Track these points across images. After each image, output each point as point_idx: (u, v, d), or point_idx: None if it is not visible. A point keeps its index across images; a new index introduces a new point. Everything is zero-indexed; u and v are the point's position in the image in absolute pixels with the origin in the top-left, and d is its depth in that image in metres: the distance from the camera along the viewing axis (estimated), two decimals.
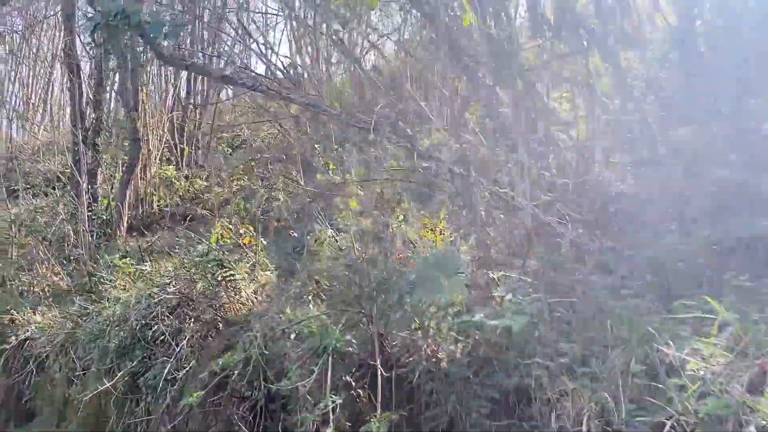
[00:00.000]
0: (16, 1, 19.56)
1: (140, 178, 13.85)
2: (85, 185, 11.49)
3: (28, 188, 16.78)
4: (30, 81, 22.82)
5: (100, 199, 13.38)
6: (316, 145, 12.18)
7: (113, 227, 12.75)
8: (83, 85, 13.90)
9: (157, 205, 14.12)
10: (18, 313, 7.56)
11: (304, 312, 4.04)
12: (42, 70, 23.12)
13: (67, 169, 17.79)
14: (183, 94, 17.82)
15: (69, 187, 13.63)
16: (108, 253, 10.38)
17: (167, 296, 5.29)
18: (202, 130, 17.35)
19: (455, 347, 3.59)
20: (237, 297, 5.11)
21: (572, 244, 5.32)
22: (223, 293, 5.14)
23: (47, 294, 8.82)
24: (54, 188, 16.58)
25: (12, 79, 23.42)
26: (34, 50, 22.44)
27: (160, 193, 14.32)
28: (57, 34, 23.76)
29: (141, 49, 6.33)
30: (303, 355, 3.89)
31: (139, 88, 13.42)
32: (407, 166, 4.70)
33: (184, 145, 16.30)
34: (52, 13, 18.50)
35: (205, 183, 15.76)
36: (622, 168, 6.99)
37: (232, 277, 5.25)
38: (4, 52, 23.29)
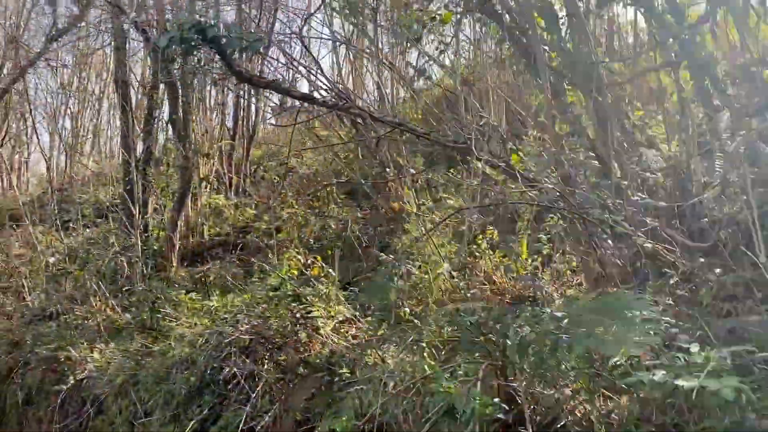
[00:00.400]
0: (66, 36, 19.81)
1: (190, 208, 13.56)
2: (137, 216, 11.20)
3: (78, 219, 16.75)
4: (79, 114, 23.07)
5: (150, 229, 13.14)
6: (374, 170, 11.72)
7: (165, 258, 12.46)
8: (134, 115, 13.77)
9: (208, 235, 13.81)
10: (74, 349, 7.17)
11: (413, 362, 3.37)
12: (90, 103, 23.37)
13: (116, 199, 17.76)
14: (230, 123, 17.73)
15: (121, 218, 13.44)
16: (163, 285, 10.05)
17: (240, 335, 4.78)
18: (249, 159, 17.13)
19: (618, 407, 2.99)
20: (317, 336, 4.57)
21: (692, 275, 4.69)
22: (302, 332, 4.60)
23: (102, 329, 8.46)
24: (105, 218, 16.50)
25: (62, 112, 23.72)
26: (84, 83, 22.70)
27: (210, 222, 14.03)
28: (105, 67, 24.10)
29: (208, 66, 5.92)
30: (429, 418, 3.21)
31: (190, 116, 13.20)
32: (511, 189, 4.16)
33: (233, 173, 16.07)
34: (102, 45, 18.53)
35: (254, 212, 15.46)
36: (723, 189, 6.33)
37: (308, 314, 4.75)
38: (56, 86, 23.64)
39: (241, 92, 17.19)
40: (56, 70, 21.98)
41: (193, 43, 3.69)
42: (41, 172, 25.93)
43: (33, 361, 7.61)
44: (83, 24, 19.77)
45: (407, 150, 8.17)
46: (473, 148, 4.14)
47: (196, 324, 5.45)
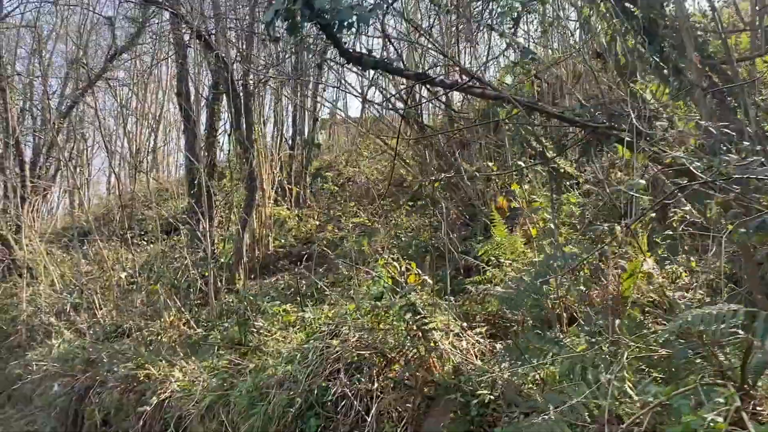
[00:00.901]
0: (126, 54, 19.91)
1: (255, 219, 13.20)
2: (206, 228, 10.87)
3: (142, 234, 16.66)
4: (138, 132, 23.23)
5: (215, 242, 12.85)
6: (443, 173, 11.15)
7: (231, 271, 12.12)
8: (196, 128, 13.55)
9: (273, 246, 13.44)
10: (153, 367, 6.76)
11: (616, 386, 2.65)
12: (148, 122, 23.49)
13: (178, 214, 17.61)
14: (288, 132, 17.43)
15: (187, 232, 13.19)
16: (252, 297, 9.65)
17: (347, 349, 4.21)
18: (308, 170, 16.78)
19: None
20: (435, 351, 3.98)
21: None
22: (420, 345, 4.00)
23: (177, 345, 8.07)
24: (169, 233, 16.35)
25: (122, 131, 23.91)
26: (142, 102, 22.83)
27: (274, 234, 13.66)
28: (161, 85, 24.24)
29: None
30: None
31: (252, 126, 12.88)
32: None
33: (292, 185, 15.72)
34: (162, 58, 18.48)
35: (317, 222, 15.07)
36: None
37: (424, 326, 4.15)
38: (115, 106, 23.87)
39: (300, 100, 16.91)
40: (115, 90, 22.12)
41: (298, 18, 3.20)
42: (101, 191, 26.29)
43: (111, 380, 7.25)
44: (141, 43, 19.90)
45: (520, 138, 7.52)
46: (619, 128, 3.50)
47: (289, 338, 4.93)
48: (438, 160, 11.64)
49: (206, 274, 9.51)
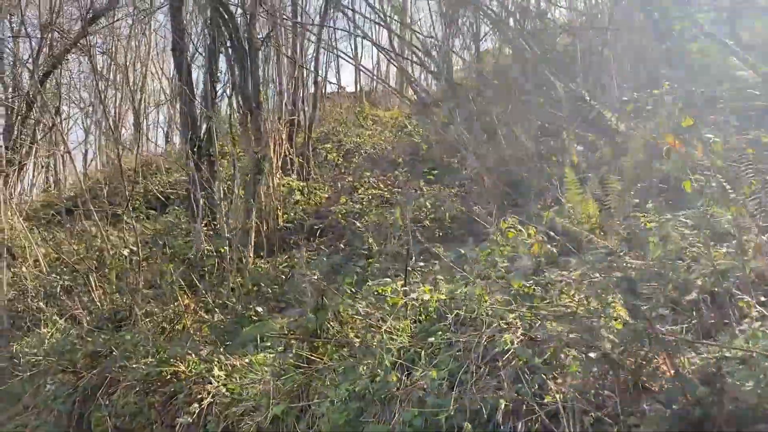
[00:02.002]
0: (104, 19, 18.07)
1: (262, 191, 11.73)
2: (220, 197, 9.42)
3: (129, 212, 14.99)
4: (117, 103, 21.36)
5: (218, 218, 11.37)
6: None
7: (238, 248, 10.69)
8: (193, 90, 11.95)
9: (282, 221, 12.00)
10: (183, 363, 5.37)
11: None
12: (130, 90, 21.62)
13: (170, 189, 16.01)
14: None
15: (185, 208, 11.68)
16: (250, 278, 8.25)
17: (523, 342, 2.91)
18: (310, 138, 15.30)
19: None
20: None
21: None
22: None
23: (196, 333, 6.68)
24: (159, 209, 14.76)
25: (100, 103, 22.03)
26: (123, 70, 20.94)
27: (283, 207, 12.21)
28: (140, 55, 22.30)
29: None
30: None
31: (259, 87, 11.33)
32: None
33: (293, 155, 14.23)
34: (156, 8, 16.70)
35: (325, 195, 13.64)
36: None
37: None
38: (91, 75, 21.87)
39: (302, 65, 15.38)
40: (93, 57, 20.12)
41: None
42: (77, 168, 24.30)
43: (125, 379, 5.82)
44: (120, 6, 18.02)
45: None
46: None
47: (394, 326, 3.55)
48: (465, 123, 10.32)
49: (222, 249, 8.08)
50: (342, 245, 10.57)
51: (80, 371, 6.63)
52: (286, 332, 4.14)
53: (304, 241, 11.38)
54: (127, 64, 21.39)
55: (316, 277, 3.99)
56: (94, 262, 8.92)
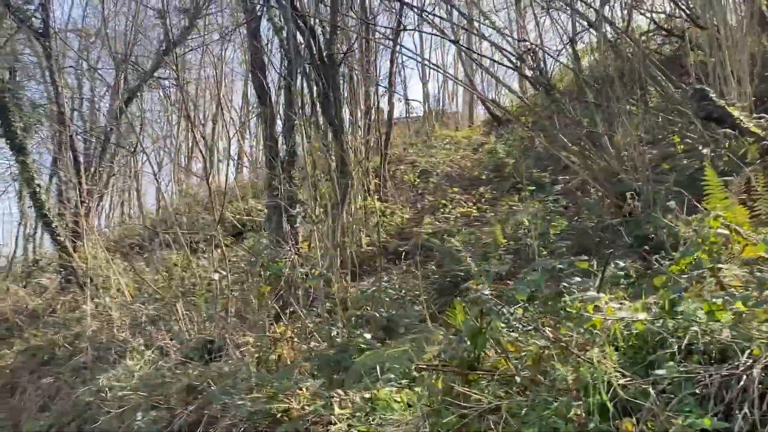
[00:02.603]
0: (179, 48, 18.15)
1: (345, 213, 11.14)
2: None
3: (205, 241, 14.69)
4: (193, 133, 21.47)
5: (299, 241, 10.86)
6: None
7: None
8: (273, 112, 11.56)
9: (365, 243, 11.39)
10: (293, 398, 4.70)
11: None
12: (201, 122, 21.74)
13: (247, 216, 15.68)
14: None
15: (269, 233, 11.21)
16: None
17: None
18: (386, 158, 14.71)
19: None
20: None
21: None
22: None
23: (297, 363, 6.03)
24: (237, 236, 14.41)
25: (175, 133, 22.22)
26: (195, 101, 21.10)
27: (367, 229, 11.61)
28: (213, 88, 22.43)
29: None
30: None
31: (341, 105, 10.84)
32: None
33: (370, 175, 13.67)
34: (234, 26, 16.60)
35: (405, 216, 12.98)
36: None
37: None
38: (165, 108, 22.15)
39: (376, 85, 14.90)
40: (167, 90, 20.32)
41: None
42: (152, 201, 24.55)
43: (227, 416, 5.20)
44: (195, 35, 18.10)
45: None
46: None
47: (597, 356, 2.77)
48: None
49: (315, 272, 7.49)
50: (434, 267, 9.83)
51: (174, 407, 6.08)
52: (437, 363, 3.39)
53: (390, 263, 10.72)
54: (198, 94, 21.58)
55: (480, 293, 3.21)
56: (181, 289, 8.45)
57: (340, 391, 4.51)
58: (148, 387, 6.93)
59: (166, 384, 6.63)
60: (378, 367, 4.76)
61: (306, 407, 4.62)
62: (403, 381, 4.51)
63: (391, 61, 14.44)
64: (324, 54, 9.90)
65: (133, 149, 17.52)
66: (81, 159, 13.86)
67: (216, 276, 7.54)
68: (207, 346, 7.65)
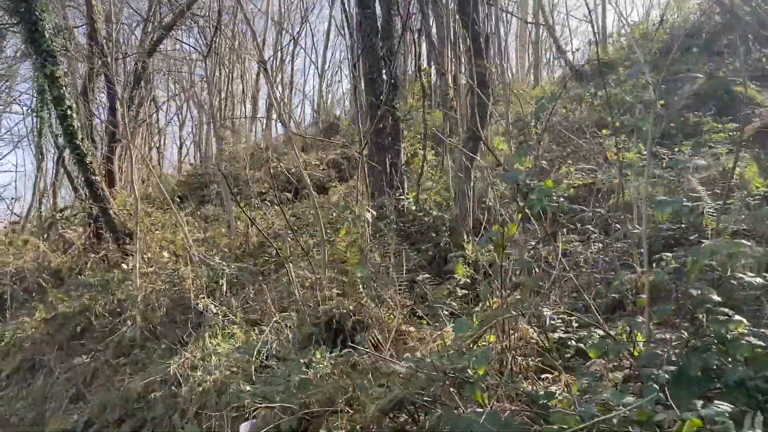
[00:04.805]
0: None
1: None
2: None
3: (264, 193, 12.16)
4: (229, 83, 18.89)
5: (405, 189, 8.36)
6: None
7: (452, 232, 7.64)
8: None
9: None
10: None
11: None
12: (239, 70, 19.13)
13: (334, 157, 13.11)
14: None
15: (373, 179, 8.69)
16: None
17: None
18: None
19: None
20: None
21: None
22: None
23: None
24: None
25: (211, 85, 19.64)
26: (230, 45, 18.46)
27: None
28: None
29: None
30: None
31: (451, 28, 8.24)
32: None
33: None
34: None
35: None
36: None
37: None
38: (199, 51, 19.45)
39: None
40: (203, 29, 17.51)
41: None
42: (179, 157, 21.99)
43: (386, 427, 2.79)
44: None
45: None
46: None
47: None
48: None
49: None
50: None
51: (295, 408, 3.63)
52: None
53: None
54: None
55: None
56: (288, 248, 5.94)
57: None
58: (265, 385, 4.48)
59: (304, 384, 4.16)
60: None
61: None
62: None
63: None
64: None
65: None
66: (118, 89, 11.22)
67: (368, 215, 5.03)
68: (333, 323, 5.18)
